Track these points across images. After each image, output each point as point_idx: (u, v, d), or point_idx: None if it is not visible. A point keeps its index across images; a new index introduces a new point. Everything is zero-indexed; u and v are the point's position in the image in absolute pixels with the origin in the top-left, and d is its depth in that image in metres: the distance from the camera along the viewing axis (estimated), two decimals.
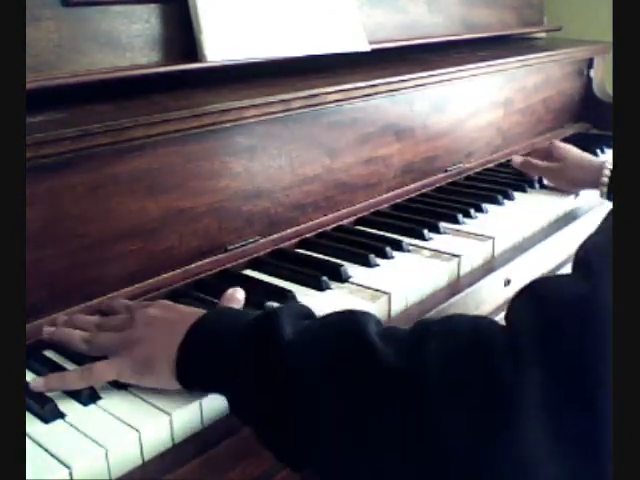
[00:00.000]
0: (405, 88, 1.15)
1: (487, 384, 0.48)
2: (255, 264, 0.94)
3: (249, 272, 0.93)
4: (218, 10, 0.97)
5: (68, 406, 0.64)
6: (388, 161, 1.17)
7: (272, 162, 0.98)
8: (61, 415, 0.63)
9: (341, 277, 0.89)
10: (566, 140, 1.57)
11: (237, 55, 0.99)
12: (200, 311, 0.67)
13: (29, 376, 0.69)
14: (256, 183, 0.96)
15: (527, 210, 1.16)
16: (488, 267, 0.99)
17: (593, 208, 1.23)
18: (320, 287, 0.87)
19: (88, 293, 0.79)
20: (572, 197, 1.23)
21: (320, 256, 0.97)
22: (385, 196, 1.17)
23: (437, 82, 1.22)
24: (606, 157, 1.40)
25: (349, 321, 0.56)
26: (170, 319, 0.67)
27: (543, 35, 1.90)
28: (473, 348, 0.50)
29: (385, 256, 0.96)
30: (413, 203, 1.19)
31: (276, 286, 0.87)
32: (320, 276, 0.88)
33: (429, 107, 1.25)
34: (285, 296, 0.83)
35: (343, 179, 1.09)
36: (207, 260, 0.90)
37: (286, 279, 0.90)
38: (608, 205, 1.23)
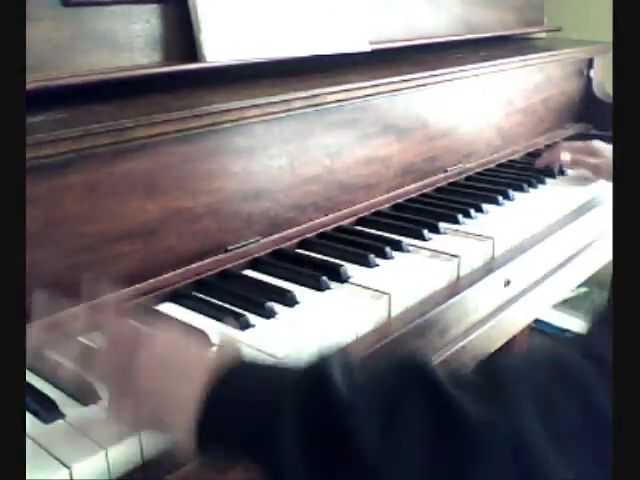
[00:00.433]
0: (407, 88, 1.15)
1: (590, 417, 0.46)
2: (255, 264, 0.94)
3: (249, 272, 0.93)
4: (218, 10, 0.97)
5: (68, 406, 0.64)
6: (388, 161, 1.17)
7: (272, 162, 0.98)
8: (61, 415, 0.63)
9: (341, 277, 0.89)
10: (566, 140, 1.57)
11: (237, 55, 0.99)
12: (209, 358, 0.56)
13: (29, 376, 0.69)
14: (256, 183, 0.96)
15: (527, 211, 1.16)
16: (488, 267, 0.99)
17: (593, 208, 1.23)
18: (320, 287, 0.87)
19: None
20: (572, 198, 1.23)
21: (320, 256, 0.97)
22: (385, 196, 1.17)
23: (438, 82, 1.22)
24: None
25: (416, 372, 0.50)
26: (182, 360, 0.56)
27: (543, 35, 1.90)
28: (571, 388, 0.48)
29: (385, 256, 0.96)
30: (413, 203, 1.19)
31: (276, 286, 0.87)
32: (320, 276, 0.87)
33: (429, 107, 1.25)
34: (285, 296, 0.83)
35: (343, 179, 1.09)
36: (207, 260, 0.90)
37: (286, 279, 0.90)
38: (608, 206, 1.23)
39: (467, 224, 1.09)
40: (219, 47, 0.97)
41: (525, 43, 1.73)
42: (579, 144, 1.36)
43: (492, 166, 1.41)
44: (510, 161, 1.45)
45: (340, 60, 1.14)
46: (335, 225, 1.07)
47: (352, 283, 0.89)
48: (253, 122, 0.93)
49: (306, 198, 1.03)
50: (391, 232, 1.05)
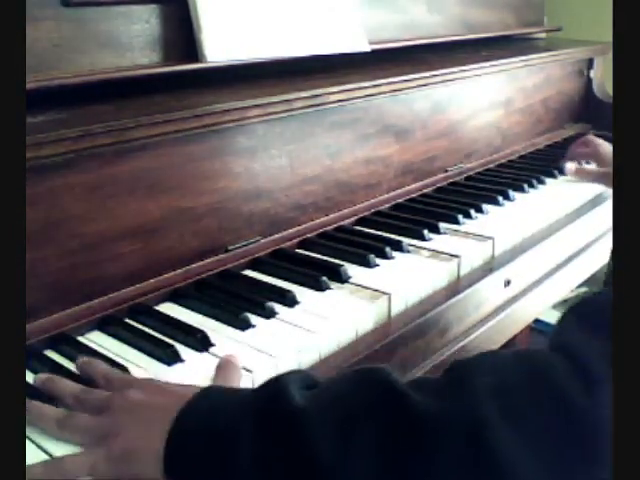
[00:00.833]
0: (408, 88, 1.15)
1: (561, 410, 0.45)
2: (255, 264, 0.94)
3: (249, 272, 0.93)
4: (218, 10, 0.97)
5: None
6: (388, 161, 1.17)
7: (273, 162, 0.98)
8: None
9: (341, 277, 0.89)
10: (566, 141, 1.57)
11: (237, 55, 0.99)
12: (188, 392, 0.57)
13: (29, 376, 0.69)
14: (257, 183, 0.96)
15: (527, 211, 1.16)
16: (488, 268, 0.99)
17: (593, 209, 1.23)
18: (320, 287, 0.87)
19: (88, 293, 0.79)
20: (572, 198, 1.23)
21: (320, 256, 0.97)
22: (385, 196, 1.17)
23: (439, 82, 1.22)
24: None
25: (369, 378, 0.51)
26: (154, 405, 0.58)
27: (543, 35, 1.90)
28: (534, 376, 0.47)
29: (385, 256, 0.96)
30: (413, 203, 1.19)
31: (276, 286, 0.87)
32: (320, 276, 0.87)
33: (429, 107, 1.25)
34: (285, 296, 0.83)
35: (343, 179, 1.09)
36: (207, 260, 0.90)
37: (286, 279, 0.90)
38: (608, 206, 1.23)
39: (467, 224, 1.09)
40: (219, 47, 0.97)
41: (525, 43, 1.73)
42: (585, 148, 1.35)
43: (492, 166, 1.41)
44: (510, 161, 1.45)
45: (341, 60, 1.14)
46: (335, 225, 1.07)
47: (352, 283, 0.89)
48: (254, 122, 0.93)
49: (306, 198, 1.03)
50: (391, 232, 1.05)
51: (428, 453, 0.46)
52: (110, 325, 0.79)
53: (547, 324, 2.26)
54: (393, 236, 1.03)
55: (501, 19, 1.62)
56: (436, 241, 1.02)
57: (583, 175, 1.31)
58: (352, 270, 0.91)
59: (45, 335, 0.75)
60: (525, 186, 1.26)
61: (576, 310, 0.55)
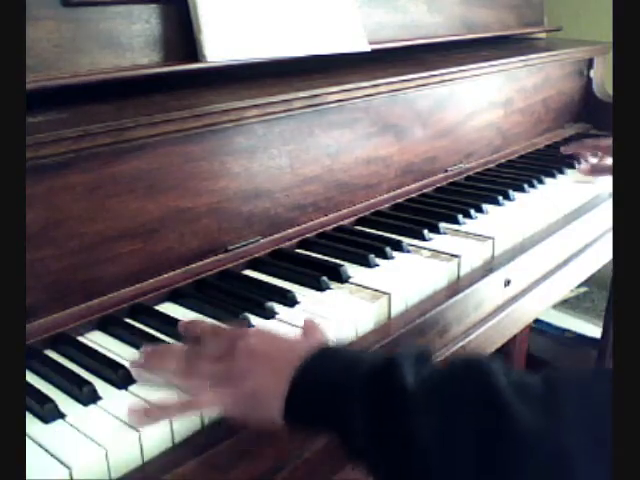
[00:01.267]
0: (407, 88, 1.15)
1: None
2: (255, 264, 0.94)
3: (249, 272, 0.93)
4: (218, 10, 0.97)
5: (68, 406, 0.64)
6: (388, 161, 1.17)
7: (272, 162, 0.98)
8: (61, 415, 0.63)
9: (341, 277, 0.89)
10: (566, 140, 1.57)
11: (237, 55, 0.99)
12: (300, 346, 0.62)
13: (29, 376, 0.69)
14: (256, 183, 0.96)
15: (527, 211, 1.16)
16: (488, 267, 0.99)
17: (593, 209, 1.23)
18: (320, 287, 0.87)
19: (88, 293, 0.79)
20: (572, 197, 1.23)
21: (320, 256, 0.97)
22: (385, 196, 1.17)
23: (439, 82, 1.22)
24: None
25: (476, 375, 0.53)
26: (274, 353, 0.62)
27: (543, 35, 1.90)
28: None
29: (385, 256, 0.96)
30: (413, 203, 1.19)
31: (276, 286, 0.87)
32: (320, 276, 0.88)
33: (429, 107, 1.25)
34: (285, 296, 0.83)
35: (343, 179, 1.09)
36: (207, 260, 0.90)
37: (286, 279, 0.90)
38: (608, 206, 1.23)
39: (467, 224, 1.09)
40: (219, 47, 0.97)
41: (525, 43, 1.73)
42: (598, 143, 1.35)
43: (492, 166, 1.41)
44: (510, 161, 1.45)
45: (340, 60, 1.14)
46: (335, 225, 1.07)
47: (352, 283, 0.89)
48: (253, 122, 0.93)
49: (306, 198, 1.03)
50: (391, 232, 1.05)
51: (517, 464, 0.48)
52: (110, 325, 0.79)
53: (547, 324, 2.26)
54: (393, 236, 1.03)
55: (501, 19, 1.62)
56: (436, 241, 1.02)
57: (598, 171, 1.31)
58: (352, 270, 0.91)
59: (45, 335, 0.75)
60: (525, 186, 1.26)
61: None
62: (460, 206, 1.14)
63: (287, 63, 1.06)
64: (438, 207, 1.15)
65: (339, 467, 0.75)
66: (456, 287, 0.93)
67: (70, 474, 0.56)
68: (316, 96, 0.98)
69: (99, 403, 0.65)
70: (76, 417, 0.63)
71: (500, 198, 1.19)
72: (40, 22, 0.82)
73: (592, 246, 1.21)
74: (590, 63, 1.71)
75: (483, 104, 1.39)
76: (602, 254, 1.24)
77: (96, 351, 0.73)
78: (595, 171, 1.31)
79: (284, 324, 0.78)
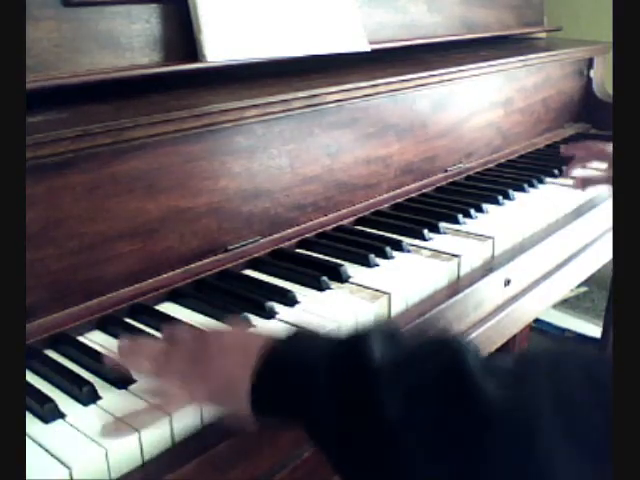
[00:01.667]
0: (406, 88, 1.15)
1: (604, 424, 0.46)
2: (255, 264, 0.94)
3: (249, 272, 0.93)
4: (218, 10, 0.97)
5: (68, 406, 0.64)
6: (388, 161, 1.17)
7: (272, 162, 0.98)
8: (61, 415, 0.63)
9: (341, 277, 0.89)
10: (566, 140, 1.58)
11: (237, 55, 0.99)
12: (268, 336, 0.62)
13: (29, 376, 0.69)
14: (256, 183, 0.96)
15: (527, 210, 1.16)
16: (488, 267, 0.99)
17: (593, 209, 1.23)
18: (320, 287, 0.87)
19: (88, 293, 0.79)
20: (572, 197, 1.23)
21: (320, 256, 0.97)
22: (385, 196, 1.17)
23: (438, 82, 1.22)
24: None
25: (445, 352, 0.52)
26: (242, 344, 0.63)
27: (543, 35, 1.90)
28: (586, 391, 0.48)
29: (385, 256, 0.96)
30: (413, 203, 1.19)
31: (276, 286, 0.87)
32: (320, 276, 0.88)
33: (429, 107, 1.25)
34: (285, 296, 0.83)
35: (343, 179, 1.09)
36: (207, 260, 0.90)
37: (286, 279, 0.90)
38: (608, 206, 1.23)
39: (467, 224, 1.09)
40: (219, 47, 0.97)
41: (525, 43, 1.73)
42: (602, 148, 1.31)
43: (492, 166, 1.41)
44: (510, 161, 1.45)
45: (340, 60, 1.14)
46: (335, 225, 1.07)
47: (352, 283, 0.89)
48: (253, 122, 0.93)
49: (306, 198, 1.03)
50: (391, 232, 1.05)
51: (486, 440, 0.48)
52: (110, 325, 0.79)
53: (547, 324, 2.26)
54: (393, 236, 1.03)
55: (501, 19, 1.63)
56: (436, 241, 1.02)
57: (591, 184, 1.27)
58: (352, 270, 0.91)
59: (45, 335, 0.75)
60: (525, 186, 1.26)
61: None
62: (460, 206, 1.14)
63: (287, 63, 1.06)
64: (438, 207, 1.15)
65: None
66: (456, 287, 0.93)
67: (70, 474, 0.56)
68: (315, 96, 0.98)
69: (99, 403, 0.65)
70: (76, 417, 0.63)
71: (500, 198, 1.19)
72: (40, 22, 0.82)
73: (592, 246, 1.21)
74: (590, 63, 1.71)
75: (483, 104, 1.39)
76: (602, 254, 1.24)
77: (96, 351, 0.73)
78: (588, 184, 1.25)
79: (284, 324, 0.78)
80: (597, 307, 2.32)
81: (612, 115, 0.56)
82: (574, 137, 1.62)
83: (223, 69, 0.98)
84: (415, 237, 1.03)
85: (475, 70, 1.30)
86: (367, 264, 0.93)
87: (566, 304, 2.35)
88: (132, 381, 0.68)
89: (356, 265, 0.93)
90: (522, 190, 1.25)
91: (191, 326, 0.74)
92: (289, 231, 1.01)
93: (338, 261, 0.94)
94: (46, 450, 0.59)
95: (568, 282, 1.18)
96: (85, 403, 0.65)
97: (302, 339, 0.61)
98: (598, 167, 1.31)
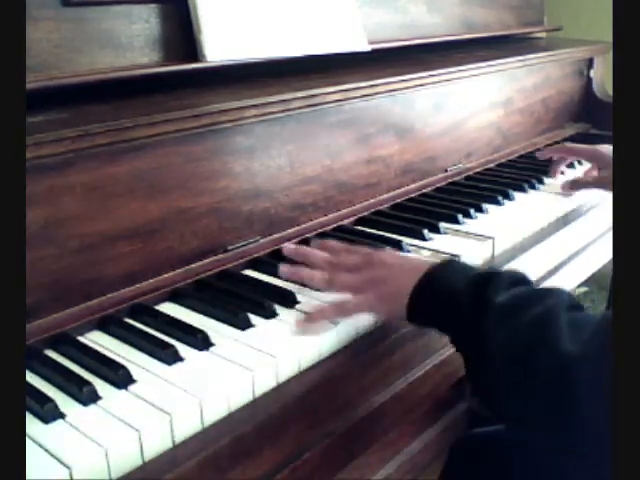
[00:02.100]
0: (405, 88, 1.15)
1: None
2: (255, 264, 0.94)
3: (249, 272, 0.93)
4: (218, 10, 0.97)
5: (68, 406, 0.64)
6: (388, 161, 1.17)
7: (272, 162, 0.98)
8: (61, 415, 0.63)
9: None
10: (566, 140, 1.57)
11: (237, 55, 0.99)
12: (424, 260, 0.80)
13: (29, 376, 0.69)
14: (256, 183, 0.96)
15: (527, 210, 1.16)
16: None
17: (593, 208, 1.23)
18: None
19: (88, 293, 0.79)
20: (572, 198, 1.23)
21: None
22: (385, 196, 1.17)
23: (437, 82, 1.22)
24: None
25: (547, 300, 0.64)
26: (404, 265, 0.78)
27: (543, 35, 1.90)
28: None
29: None
30: (413, 203, 1.19)
31: (276, 286, 0.87)
32: None
33: (429, 107, 1.25)
34: (285, 296, 0.83)
35: (343, 179, 1.09)
36: (207, 260, 0.90)
37: (286, 279, 0.90)
38: (608, 206, 1.23)
39: (467, 224, 1.09)
40: (219, 47, 0.97)
41: (525, 43, 1.73)
42: (582, 148, 1.31)
43: (492, 166, 1.41)
44: (510, 161, 1.45)
45: (339, 60, 1.14)
46: (335, 225, 1.07)
47: None
48: (252, 122, 0.93)
49: (306, 198, 1.03)
50: (391, 232, 1.05)
51: (549, 378, 0.60)
52: (110, 325, 0.79)
53: None
54: (393, 236, 1.03)
55: (501, 19, 1.63)
56: (436, 241, 1.02)
57: (581, 186, 1.25)
58: None
59: (45, 335, 0.75)
60: (525, 186, 1.26)
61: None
62: (460, 206, 1.14)
63: (287, 63, 1.06)
64: (438, 207, 1.15)
65: (339, 467, 0.75)
66: None
67: (70, 474, 0.56)
68: (315, 96, 0.98)
69: (99, 403, 0.65)
70: (76, 417, 0.63)
71: (500, 198, 1.19)
72: (40, 22, 0.82)
73: (592, 246, 1.21)
74: (590, 63, 1.71)
75: (483, 104, 1.39)
76: (602, 254, 1.24)
77: (96, 351, 0.73)
78: (578, 187, 1.25)
79: (285, 324, 0.78)
80: (597, 307, 2.32)
81: (612, 115, 0.56)
82: (574, 137, 1.62)
83: (223, 69, 0.98)
84: (415, 237, 1.03)
85: (475, 70, 1.30)
86: None
87: None
88: (132, 381, 0.68)
89: None
90: (522, 190, 1.25)
91: (337, 243, 0.88)
92: (289, 231, 1.01)
93: None
94: (46, 450, 0.59)
95: (568, 282, 1.18)
96: (85, 403, 0.65)
97: (454, 268, 0.74)
98: (586, 170, 1.32)
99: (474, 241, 1.02)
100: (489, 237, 1.02)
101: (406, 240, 1.01)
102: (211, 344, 0.74)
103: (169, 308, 0.83)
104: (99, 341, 0.76)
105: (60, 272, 0.76)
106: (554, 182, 1.31)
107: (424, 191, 1.24)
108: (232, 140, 0.92)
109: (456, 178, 1.32)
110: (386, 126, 1.16)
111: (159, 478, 0.59)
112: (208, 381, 0.67)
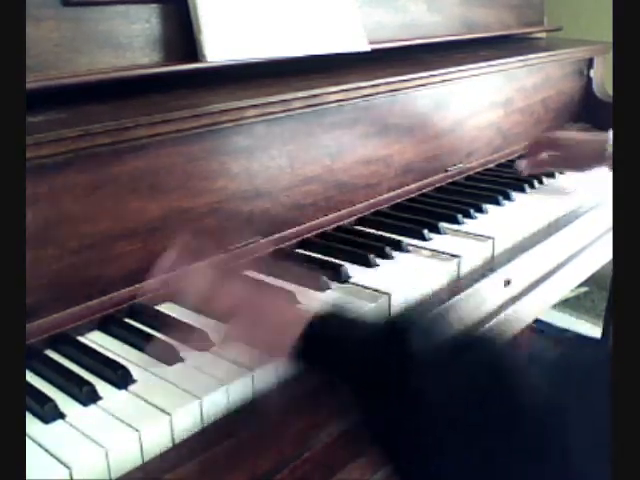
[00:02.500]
0: (406, 88, 1.15)
1: None
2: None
3: (249, 272, 0.93)
4: (218, 10, 0.97)
5: (68, 406, 0.64)
6: (388, 161, 1.17)
7: (272, 162, 0.98)
8: (61, 415, 0.63)
9: (341, 277, 0.89)
10: None
11: (237, 55, 0.99)
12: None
13: (29, 376, 0.69)
14: (256, 183, 0.96)
15: (527, 210, 1.16)
16: (488, 267, 0.99)
17: (593, 208, 1.23)
18: (320, 287, 0.87)
19: (88, 293, 0.79)
20: (572, 198, 1.23)
21: (320, 256, 0.97)
22: (385, 196, 1.17)
23: (438, 82, 1.22)
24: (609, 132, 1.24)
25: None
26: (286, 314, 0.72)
27: (543, 35, 1.90)
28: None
29: (385, 256, 0.96)
30: (413, 203, 1.19)
31: (276, 286, 0.87)
32: (320, 276, 0.87)
33: (429, 107, 1.25)
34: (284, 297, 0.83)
35: (343, 179, 1.09)
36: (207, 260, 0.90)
37: (285, 279, 0.89)
38: (608, 205, 1.23)
39: (467, 224, 1.09)
40: (219, 47, 0.97)
41: (525, 43, 1.73)
42: (540, 140, 1.34)
43: (492, 166, 1.41)
44: (510, 161, 1.45)
45: (340, 60, 1.14)
46: (335, 225, 1.07)
47: (352, 283, 0.89)
48: (253, 122, 0.93)
49: (306, 198, 1.03)
50: (391, 232, 1.04)
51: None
52: (110, 325, 0.79)
53: (547, 324, 2.26)
54: (393, 236, 1.03)
55: (501, 19, 1.62)
56: (436, 241, 1.02)
57: (536, 167, 1.29)
58: (352, 270, 0.91)
59: (45, 335, 0.75)
60: (525, 186, 1.26)
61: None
62: (460, 206, 1.14)
63: (287, 63, 1.06)
64: (438, 207, 1.15)
65: (339, 467, 0.75)
66: (456, 287, 0.93)
67: (70, 474, 0.56)
68: (315, 96, 0.98)
69: (99, 403, 0.65)
70: (76, 417, 0.63)
71: (500, 198, 1.19)
72: (40, 22, 0.82)
73: (592, 246, 1.21)
74: (590, 63, 1.71)
75: (483, 104, 1.39)
76: (602, 254, 1.24)
77: (96, 351, 0.73)
78: (533, 168, 1.29)
79: None
80: (597, 307, 2.32)
81: (612, 115, 0.56)
82: None
83: (223, 69, 0.98)
84: (415, 237, 1.03)
85: (475, 70, 1.30)
86: (367, 264, 0.93)
87: (566, 304, 2.35)
88: (132, 381, 0.68)
89: (356, 265, 0.93)
90: (522, 190, 1.25)
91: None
92: (289, 231, 1.01)
93: (338, 261, 0.93)
94: (46, 450, 0.59)
95: (568, 282, 1.18)
96: (85, 403, 0.65)
97: (341, 315, 0.69)
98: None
99: (474, 241, 1.02)
100: (489, 237, 1.02)
101: (406, 240, 1.01)
102: (211, 344, 0.74)
103: (169, 308, 0.83)
104: (99, 341, 0.76)
105: (60, 272, 0.76)
106: (554, 182, 1.32)
107: (424, 191, 1.24)
108: (232, 140, 0.92)
109: (456, 178, 1.32)
110: (386, 126, 1.16)
111: (159, 478, 0.59)
112: (208, 380, 0.67)
